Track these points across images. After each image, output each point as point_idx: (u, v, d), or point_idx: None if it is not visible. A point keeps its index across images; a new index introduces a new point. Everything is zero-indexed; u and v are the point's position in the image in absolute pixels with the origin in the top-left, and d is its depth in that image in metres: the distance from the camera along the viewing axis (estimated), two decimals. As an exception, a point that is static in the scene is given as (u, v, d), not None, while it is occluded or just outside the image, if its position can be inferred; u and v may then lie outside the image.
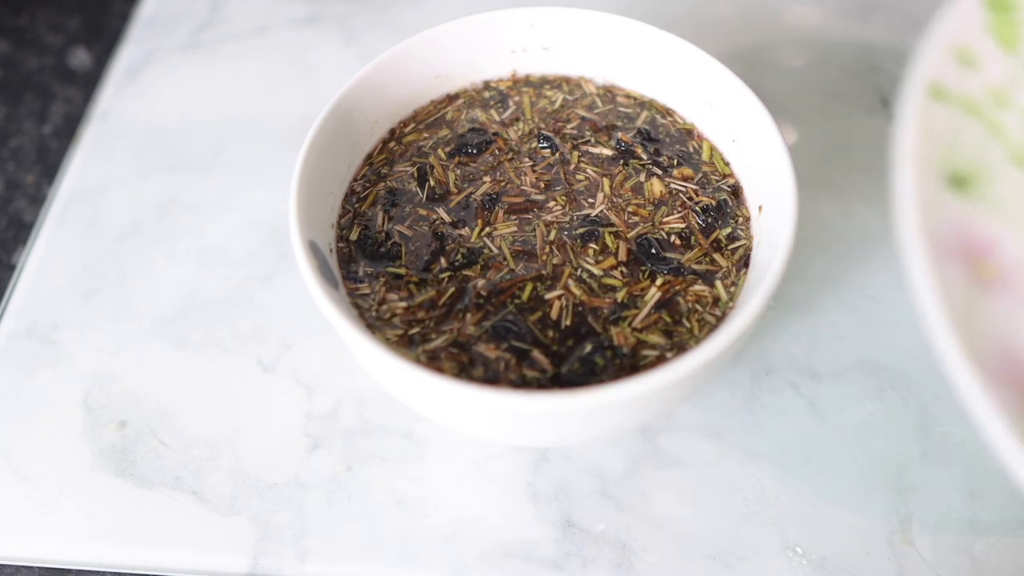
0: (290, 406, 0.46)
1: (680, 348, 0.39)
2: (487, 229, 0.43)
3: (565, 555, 0.42)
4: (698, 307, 0.41)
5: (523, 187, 0.45)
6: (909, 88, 0.32)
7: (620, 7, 0.49)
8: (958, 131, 0.32)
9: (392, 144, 0.47)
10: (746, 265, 0.42)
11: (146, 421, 0.46)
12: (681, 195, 0.44)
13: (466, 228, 0.43)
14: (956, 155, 0.32)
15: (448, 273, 0.42)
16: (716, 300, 0.41)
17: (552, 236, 0.43)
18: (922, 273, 0.28)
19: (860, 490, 0.43)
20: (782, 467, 0.44)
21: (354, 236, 0.43)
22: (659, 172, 0.45)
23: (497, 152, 0.46)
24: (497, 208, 0.44)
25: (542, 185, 0.45)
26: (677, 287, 0.41)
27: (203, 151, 0.57)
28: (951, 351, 0.26)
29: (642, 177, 0.45)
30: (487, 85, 0.49)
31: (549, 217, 0.44)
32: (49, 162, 0.58)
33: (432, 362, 0.39)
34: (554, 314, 0.40)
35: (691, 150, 0.46)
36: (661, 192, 0.45)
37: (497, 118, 0.48)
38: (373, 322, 0.40)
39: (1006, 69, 0.35)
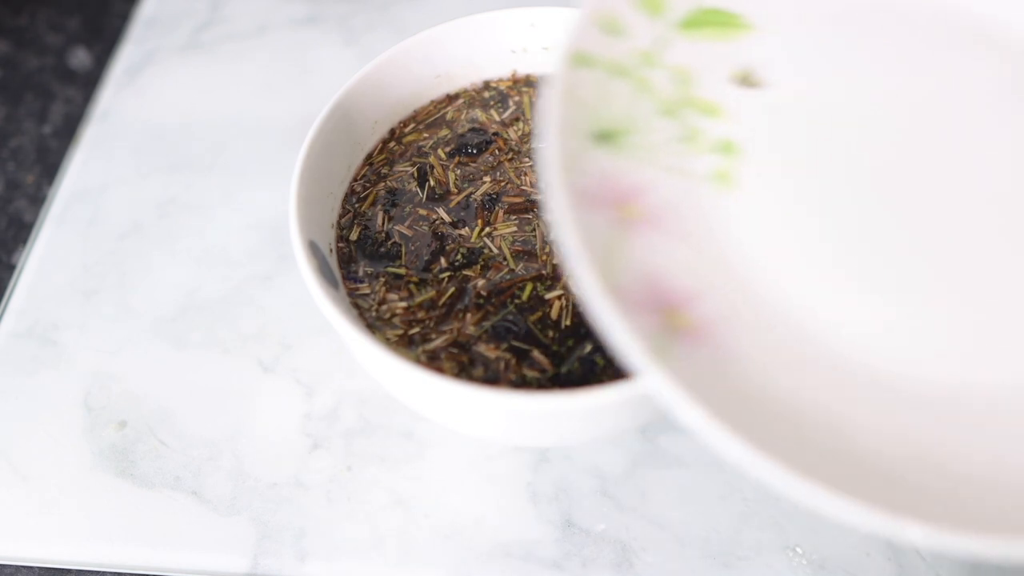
0: (290, 406, 0.46)
1: None
2: (487, 229, 0.43)
3: (565, 555, 0.42)
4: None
5: (523, 187, 0.45)
6: (555, 58, 0.34)
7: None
8: (606, 92, 0.35)
9: (392, 144, 0.47)
10: None
11: (146, 421, 0.46)
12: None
13: (466, 228, 0.43)
14: (604, 113, 0.35)
15: (448, 273, 0.42)
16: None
17: (552, 236, 0.43)
18: (564, 222, 0.30)
19: (860, 490, 0.43)
20: (782, 467, 0.44)
21: (354, 236, 0.43)
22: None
23: (497, 152, 0.46)
24: (497, 208, 0.44)
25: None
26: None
27: (203, 151, 0.57)
28: (590, 287, 0.29)
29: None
30: (487, 85, 0.49)
31: (549, 217, 0.44)
32: (49, 162, 0.58)
33: (432, 362, 0.39)
34: (554, 314, 0.40)
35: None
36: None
37: (497, 118, 0.48)
38: (373, 322, 0.40)
39: (653, 32, 0.38)
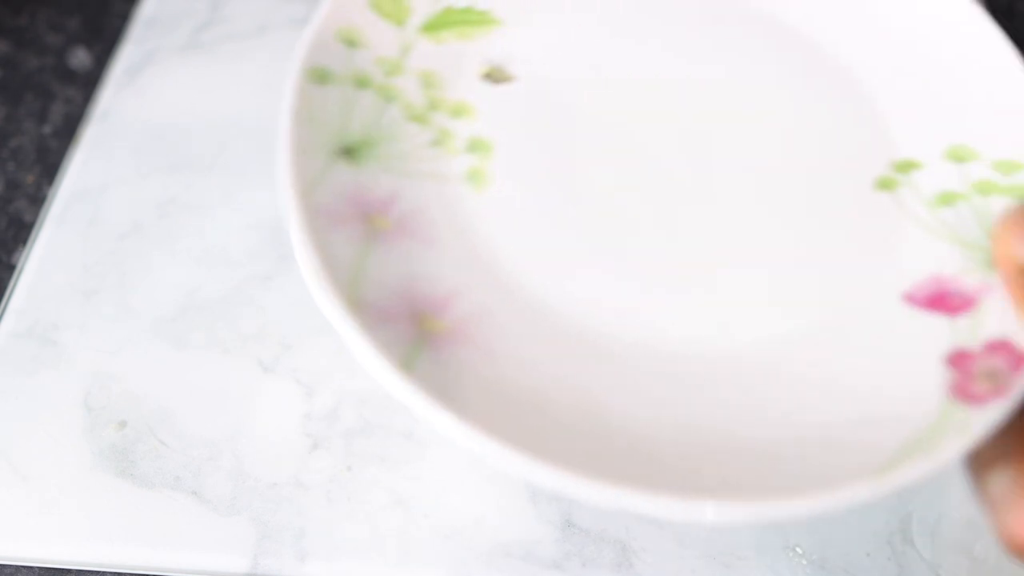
0: (290, 406, 0.46)
1: None
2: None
3: (565, 555, 0.42)
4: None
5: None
6: (289, 79, 0.35)
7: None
8: (350, 106, 0.36)
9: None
10: None
11: (146, 421, 0.46)
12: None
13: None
14: (348, 128, 0.36)
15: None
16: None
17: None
18: (302, 246, 0.31)
19: (860, 490, 0.43)
20: (782, 467, 0.44)
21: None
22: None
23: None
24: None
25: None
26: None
27: (203, 151, 0.57)
28: (333, 308, 0.30)
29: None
30: None
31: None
32: (49, 162, 0.58)
33: None
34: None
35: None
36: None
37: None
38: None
39: (397, 39, 0.39)
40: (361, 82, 0.37)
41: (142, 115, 0.59)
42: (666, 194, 0.38)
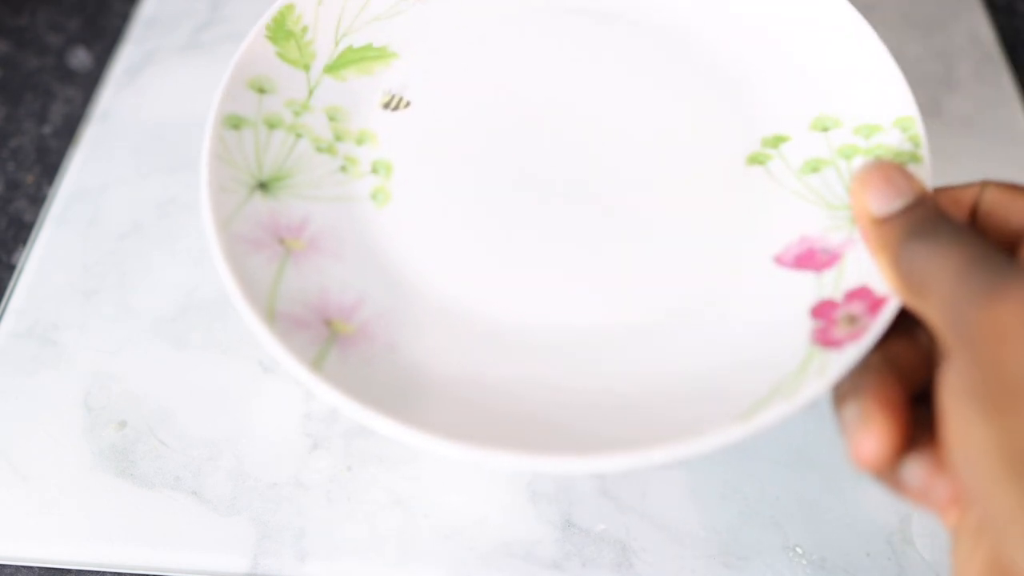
0: (290, 406, 0.46)
1: None
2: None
3: (565, 555, 0.42)
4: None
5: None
6: (207, 125, 0.39)
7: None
8: (264, 145, 0.41)
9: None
10: None
11: (146, 421, 0.46)
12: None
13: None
14: (263, 164, 0.40)
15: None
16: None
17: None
18: (223, 269, 0.35)
19: (860, 489, 0.44)
20: (782, 466, 0.44)
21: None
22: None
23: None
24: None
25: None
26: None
27: (203, 151, 0.57)
28: (250, 320, 0.33)
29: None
30: None
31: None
32: (49, 162, 0.58)
33: None
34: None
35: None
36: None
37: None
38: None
39: (304, 83, 0.43)
40: (272, 123, 0.41)
41: (142, 115, 0.60)
42: (551, 192, 0.42)
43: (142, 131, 0.58)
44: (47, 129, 0.60)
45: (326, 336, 0.35)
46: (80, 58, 0.65)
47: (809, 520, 0.43)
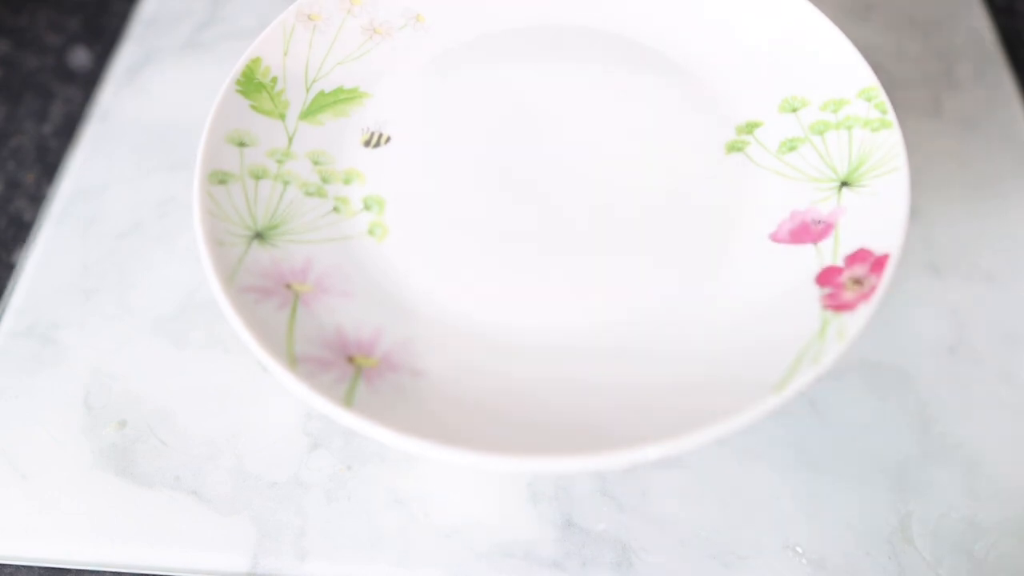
0: (290, 405, 0.46)
1: None
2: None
3: (565, 555, 0.42)
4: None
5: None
6: (194, 184, 0.40)
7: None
8: (253, 197, 0.42)
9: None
10: None
11: (146, 420, 0.46)
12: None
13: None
14: (255, 215, 0.41)
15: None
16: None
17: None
18: (236, 322, 0.35)
19: (860, 490, 0.44)
20: (782, 466, 0.44)
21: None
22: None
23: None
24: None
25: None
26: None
27: (203, 150, 0.57)
28: (273, 366, 0.34)
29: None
30: None
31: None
32: (49, 161, 0.58)
33: None
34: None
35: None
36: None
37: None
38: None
39: (283, 131, 0.45)
40: (258, 175, 0.43)
41: (142, 114, 0.60)
42: (543, 204, 0.44)
43: (142, 130, 0.59)
44: (47, 128, 0.60)
45: (351, 373, 0.36)
46: (80, 58, 0.65)
47: (809, 520, 0.43)
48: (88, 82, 0.63)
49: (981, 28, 0.63)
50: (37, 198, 0.56)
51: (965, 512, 0.43)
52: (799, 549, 0.42)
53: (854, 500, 0.43)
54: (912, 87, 0.55)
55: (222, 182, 0.41)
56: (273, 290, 0.38)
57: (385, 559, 0.42)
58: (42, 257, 0.52)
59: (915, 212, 0.53)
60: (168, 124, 0.59)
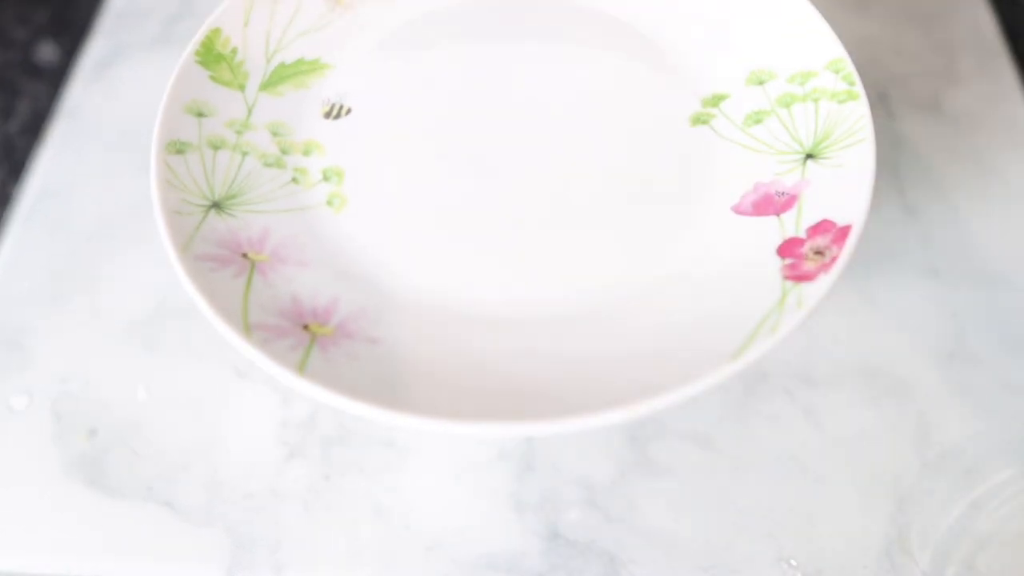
0: (266, 413, 0.47)
1: None
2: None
3: (551, 567, 0.42)
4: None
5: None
6: (152, 153, 0.42)
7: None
8: (211, 167, 0.43)
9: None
10: None
11: (117, 429, 0.46)
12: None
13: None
14: (212, 185, 0.43)
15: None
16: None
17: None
18: (192, 288, 0.37)
19: (857, 500, 0.44)
20: (775, 476, 0.44)
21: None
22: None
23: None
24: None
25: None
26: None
27: (176, 149, 0.57)
28: (228, 334, 0.36)
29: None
30: None
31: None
32: (15, 160, 0.58)
33: None
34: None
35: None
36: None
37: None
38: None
39: (242, 102, 0.46)
40: (216, 145, 0.44)
41: (112, 111, 0.60)
42: (503, 176, 0.45)
43: (112, 127, 0.59)
44: (13, 126, 0.61)
45: (307, 340, 0.37)
46: (47, 52, 0.65)
47: (803, 532, 0.43)
48: (55, 77, 0.63)
49: (982, 20, 0.64)
50: (3, 198, 0.57)
51: (965, 523, 0.43)
52: (793, 562, 0.42)
53: (850, 511, 0.44)
54: (912, 82, 0.55)
55: (180, 152, 0.43)
56: (230, 259, 0.40)
57: (364, 572, 0.42)
58: (8, 259, 0.53)
59: (913, 212, 0.53)
60: (139, 121, 0.59)
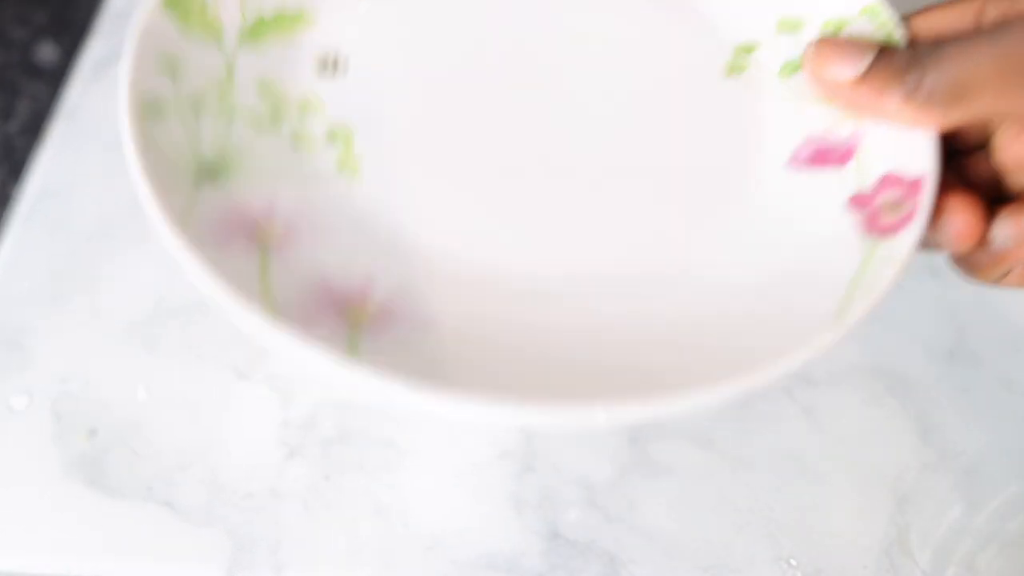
0: (266, 413, 0.47)
1: None
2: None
3: (551, 567, 0.43)
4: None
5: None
6: (120, 117, 0.36)
7: None
8: (194, 132, 0.38)
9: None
10: None
11: (117, 429, 0.46)
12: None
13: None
14: (199, 153, 0.37)
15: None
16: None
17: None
18: (198, 272, 0.31)
19: (857, 500, 0.44)
20: (776, 476, 0.45)
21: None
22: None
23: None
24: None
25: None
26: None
27: (175, 149, 0.57)
28: (254, 320, 0.31)
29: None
30: None
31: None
32: (15, 160, 0.59)
33: None
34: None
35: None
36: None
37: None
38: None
39: (221, 55, 0.41)
40: (197, 106, 0.39)
41: (111, 111, 0.59)
42: (532, 134, 0.41)
43: (112, 127, 0.58)
44: (13, 126, 0.61)
45: (347, 325, 0.34)
46: (47, 52, 0.65)
47: (804, 531, 0.44)
48: (55, 78, 0.63)
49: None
50: (3, 198, 0.57)
51: (965, 523, 0.44)
52: (793, 562, 0.43)
53: (850, 510, 0.44)
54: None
55: (157, 114, 0.37)
56: (234, 236, 0.36)
57: (364, 571, 0.43)
58: (8, 259, 0.53)
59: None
60: (139, 121, 0.59)
